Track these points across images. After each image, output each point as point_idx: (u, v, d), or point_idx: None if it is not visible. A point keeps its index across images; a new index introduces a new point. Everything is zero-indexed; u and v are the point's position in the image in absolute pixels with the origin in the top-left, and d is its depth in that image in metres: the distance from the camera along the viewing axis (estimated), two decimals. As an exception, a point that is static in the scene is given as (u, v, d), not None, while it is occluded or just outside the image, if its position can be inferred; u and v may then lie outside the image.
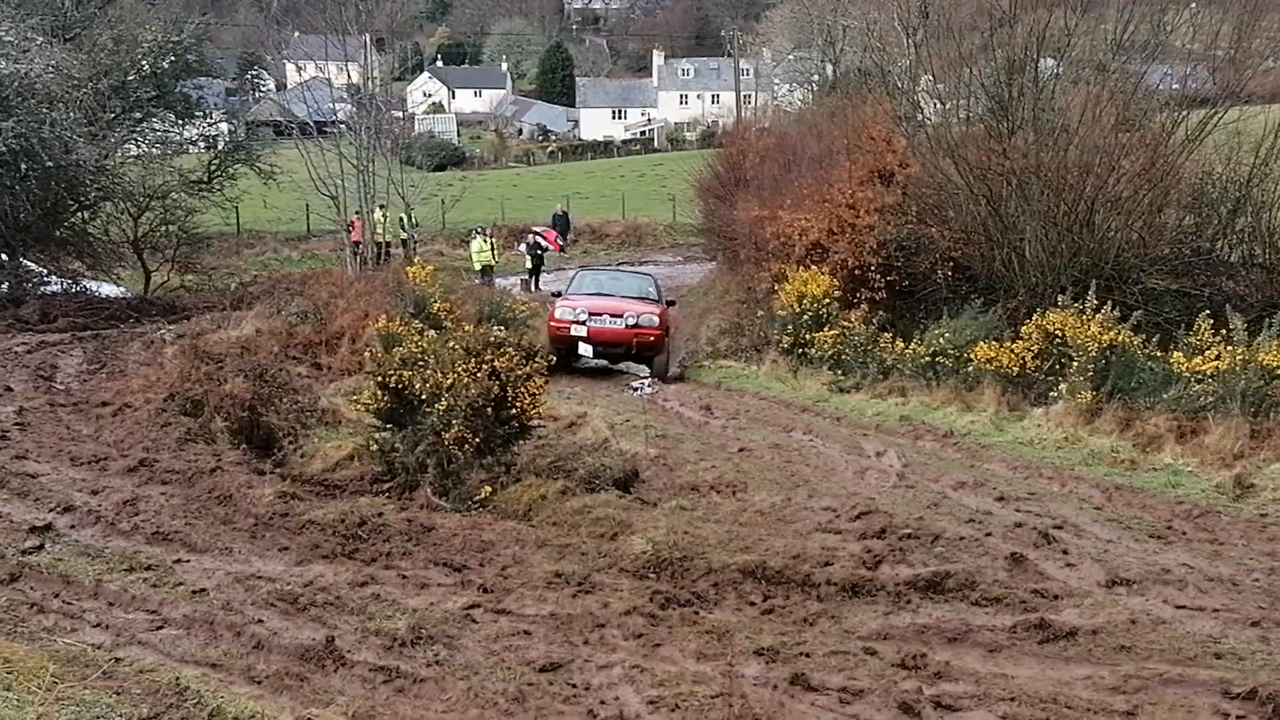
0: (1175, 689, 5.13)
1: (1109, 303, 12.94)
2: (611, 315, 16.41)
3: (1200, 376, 11.39)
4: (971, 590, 6.51)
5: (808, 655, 5.51)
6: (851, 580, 6.61)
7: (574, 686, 5.05)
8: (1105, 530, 8.14)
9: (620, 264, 33.35)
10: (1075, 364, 12.45)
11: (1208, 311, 12.30)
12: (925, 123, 19.87)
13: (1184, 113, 15.91)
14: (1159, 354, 12.40)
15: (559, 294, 19.00)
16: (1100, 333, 12.54)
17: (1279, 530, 8.36)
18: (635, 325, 16.27)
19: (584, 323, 15.99)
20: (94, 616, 6.03)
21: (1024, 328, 13.67)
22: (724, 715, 4.66)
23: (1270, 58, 18.62)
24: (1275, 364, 10.93)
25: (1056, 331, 13.06)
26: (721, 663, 5.37)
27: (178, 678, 5.00)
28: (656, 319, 16.83)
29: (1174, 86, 17.46)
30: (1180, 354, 11.82)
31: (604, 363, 17.98)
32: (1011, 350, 13.49)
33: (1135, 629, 5.92)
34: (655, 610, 6.10)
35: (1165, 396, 11.62)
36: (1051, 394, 12.55)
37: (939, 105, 20.27)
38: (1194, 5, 18.97)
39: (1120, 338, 12.55)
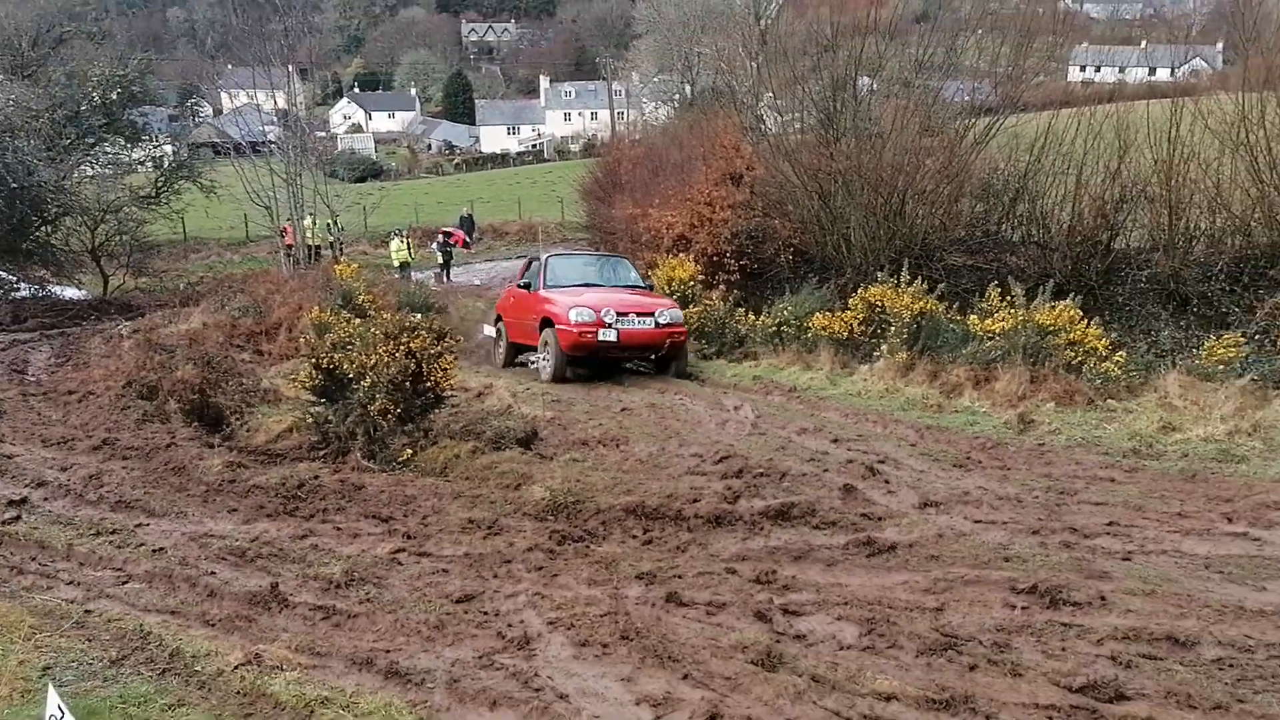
0: (974, 588, 5.33)
1: (918, 277, 13.30)
2: (639, 314, 12.29)
3: (990, 335, 11.75)
4: (812, 517, 6.67)
5: (680, 577, 5.60)
6: (715, 513, 6.72)
7: (485, 614, 5.09)
8: (918, 463, 8.37)
9: (519, 256, 33.17)
10: (892, 328, 12.78)
11: (995, 282, 12.71)
12: (767, 132, 20.06)
13: (973, 120, 16.37)
14: (958, 318, 12.82)
15: (529, 285, 13.78)
16: (912, 302, 12.88)
17: (1054, 457, 8.70)
18: (669, 324, 12.43)
19: (613, 325, 11.87)
20: (67, 575, 5.96)
21: (851, 300, 13.99)
22: (611, 630, 4.71)
23: (1040, 74, 19.26)
24: (1048, 323, 11.33)
25: (877, 302, 13.38)
26: (609, 587, 5.44)
27: (142, 624, 4.96)
28: (681, 314, 13.17)
29: (965, 99, 17.86)
30: (975, 317, 12.19)
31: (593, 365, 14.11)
32: (842, 319, 13.76)
33: (942, 541, 6.13)
34: (553, 546, 6.18)
35: (964, 352, 11.97)
36: (874, 353, 12.84)
37: (778, 117, 20.46)
38: (979, 31, 19.39)
39: (928, 306, 12.94)
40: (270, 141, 27.94)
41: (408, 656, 4.49)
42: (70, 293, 23.86)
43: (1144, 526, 6.35)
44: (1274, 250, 12.61)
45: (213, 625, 5.00)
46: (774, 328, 15.04)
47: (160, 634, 4.76)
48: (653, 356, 12.68)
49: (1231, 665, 4.24)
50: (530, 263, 14.60)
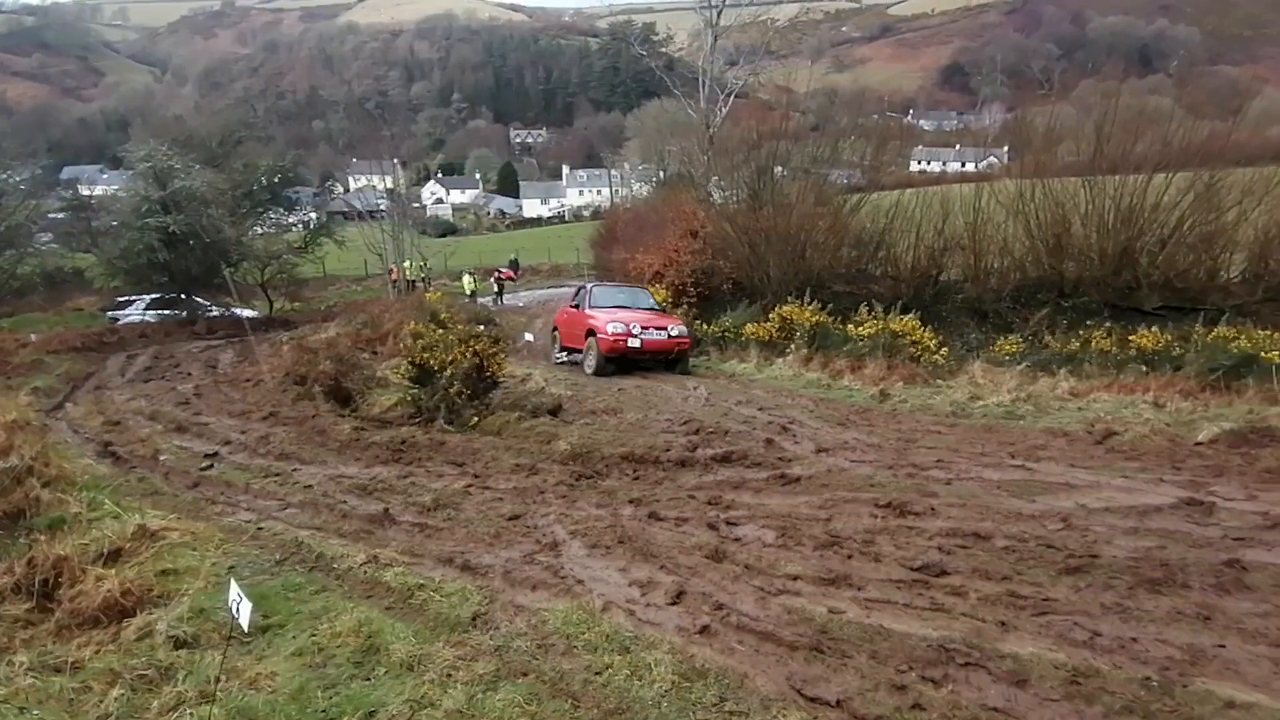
0: (850, 505, 5.35)
1: (815, 300, 13.30)
2: (656, 328, 11.87)
3: (861, 338, 11.80)
4: (745, 460, 6.67)
5: (658, 501, 5.60)
6: (680, 458, 6.70)
7: (528, 527, 5.08)
8: (815, 422, 8.33)
9: (549, 285, 33.04)
10: (798, 334, 12.79)
11: (865, 303, 12.74)
12: (715, 203, 19.96)
13: (849, 195, 16.32)
14: (841, 326, 12.82)
15: (579, 305, 13.20)
16: (810, 316, 12.92)
17: (903, 418, 8.67)
18: (677, 336, 11.97)
19: (638, 335, 11.53)
20: (245, 504, 5.96)
21: (771, 315, 13.93)
22: (612, 537, 4.73)
23: (892, 166, 19.30)
24: (899, 330, 11.40)
25: (788, 316, 13.37)
26: (610, 509, 5.44)
27: (297, 537, 4.95)
28: (686, 329, 12.52)
29: (844, 181, 17.84)
30: (852, 326, 12.23)
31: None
32: (765, 328, 13.73)
33: (830, 474, 6.13)
34: (573, 482, 6.16)
35: (844, 349, 11.99)
36: (786, 351, 12.75)
37: (722, 193, 20.37)
38: (853, 137, 19.38)
39: (821, 319, 12.96)
40: (381, 211, 27.88)
41: (476, 556, 4.50)
42: (247, 313, 23.67)
43: (959, 462, 6.38)
44: (1040, 281, 12.69)
45: (345, 537, 4.99)
46: (720, 334, 14.99)
47: (309, 543, 4.76)
48: (664, 359, 12.09)
49: (1014, 551, 4.29)
50: (579, 290, 14.31)
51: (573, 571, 4.21)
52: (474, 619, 3.67)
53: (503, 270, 30.02)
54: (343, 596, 3.97)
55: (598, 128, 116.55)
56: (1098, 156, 12.82)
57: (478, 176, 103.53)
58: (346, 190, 45.10)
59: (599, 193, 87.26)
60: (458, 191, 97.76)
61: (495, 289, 28.13)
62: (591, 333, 11.94)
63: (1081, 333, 11.25)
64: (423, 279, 27.68)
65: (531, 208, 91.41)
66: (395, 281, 25.77)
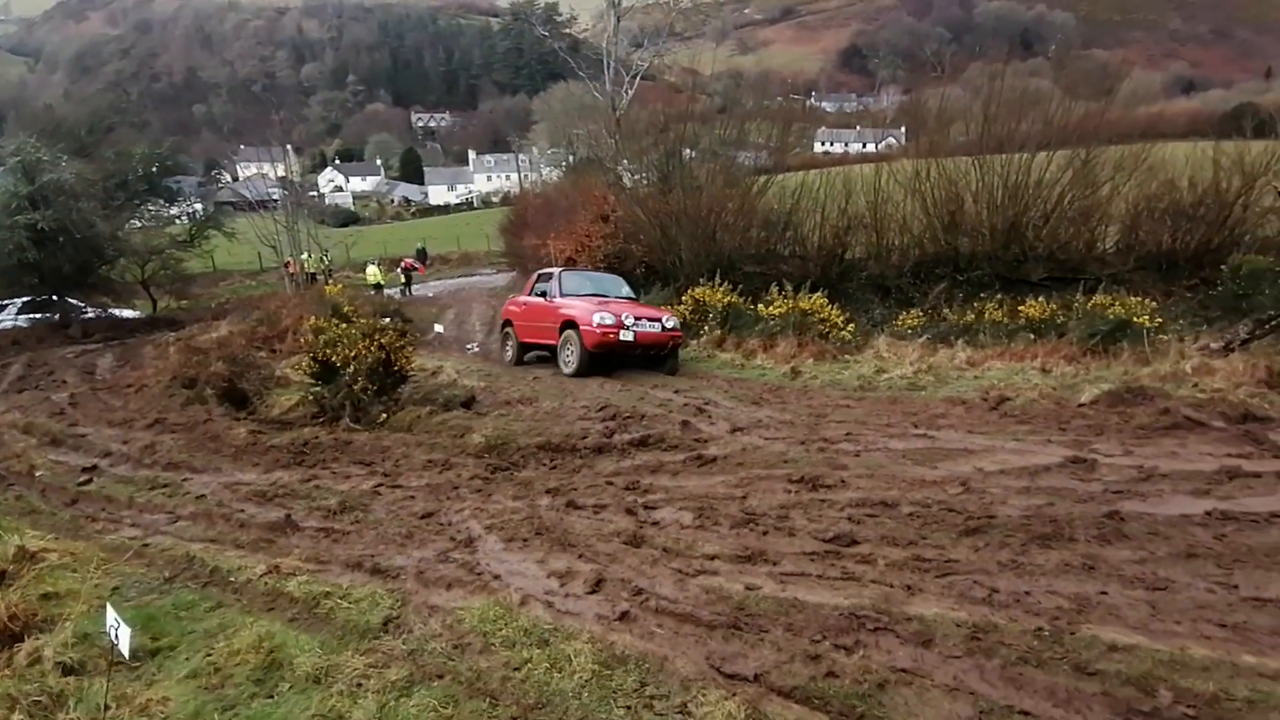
0: (765, 481, 5.43)
1: (726, 281, 13.46)
2: (649, 319, 10.51)
3: (772, 317, 12.03)
4: (662, 443, 6.68)
5: (575, 489, 5.55)
6: (598, 445, 6.67)
7: (441, 525, 4.94)
8: (729, 402, 8.46)
9: (459, 275, 32.28)
10: (710, 315, 12.92)
11: (775, 283, 12.99)
12: (625, 187, 19.95)
13: (757, 177, 16.61)
14: (752, 307, 13.03)
15: (546, 294, 11.45)
16: (722, 297, 13.06)
17: (813, 394, 8.90)
18: (672, 329, 10.67)
19: (630, 327, 10.15)
20: (130, 519, 5.55)
21: (684, 297, 14.01)
22: (529, 529, 4.65)
23: (797, 147, 19.77)
24: (807, 308, 11.68)
25: (700, 298, 13.48)
26: (527, 500, 5.35)
27: (188, 552, 4.63)
28: (678, 321, 11.27)
29: (752, 163, 18.14)
30: (763, 306, 12.45)
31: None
32: (678, 310, 13.78)
33: (745, 453, 6.22)
34: (488, 475, 6.01)
35: (756, 329, 12.22)
36: (700, 332, 12.87)
37: (632, 176, 20.36)
38: (759, 120, 19.74)
39: (732, 300, 13.11)
40: (274, 200, 26.50)
41: (386, 558, 4.34)
42: (127, 313, 22.13)
43: (867, 434, 6.61)
44: (937, 257, 13.29)
45: (242, 547, 4.71)
46: (634, 318, 15.05)
47: (202, 557, 4.47)
48: (654, 355, 10.69)
49: (919, 517, 4.47)
50: (539, 278, 12.24)
51: (489, 567, 4.12)
52: (385, 624, 3.54)
53: (410, 260, 29.10)
54: (241, 611, 3.75)
55: (504, 111, 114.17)
56: (986, 136, 13.51)
57: (379, 163, 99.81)
58: (235, 179, 42.59)
59: (508, 178, 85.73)
60: (358, 179, 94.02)
61: (402, 280, 27.27)
62: (570, 325, 10.49)
63: (976, 305, 11.86)
64: (323, 272, 26.55)
65: (438, 194, 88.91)
66: (293, 275, 24.56)
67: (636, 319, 10.36)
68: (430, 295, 25.47)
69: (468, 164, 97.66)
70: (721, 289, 13.39)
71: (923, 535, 4.23)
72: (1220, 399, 6.65)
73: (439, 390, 8.74)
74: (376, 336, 8.17)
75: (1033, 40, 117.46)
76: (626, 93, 21.28)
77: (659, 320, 10.61)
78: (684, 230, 15.71)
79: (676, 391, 9.16)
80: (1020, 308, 11.19)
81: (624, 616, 3.46)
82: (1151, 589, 3.46)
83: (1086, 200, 12.53)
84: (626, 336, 10.17)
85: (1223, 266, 10.63)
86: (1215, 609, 3.24)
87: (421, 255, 32.53)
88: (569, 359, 10.47)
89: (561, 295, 11.19)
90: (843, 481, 5.25)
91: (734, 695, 2.76)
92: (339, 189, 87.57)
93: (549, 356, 11.20)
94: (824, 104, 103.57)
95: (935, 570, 3.77)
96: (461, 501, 5.36)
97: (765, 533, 4.46)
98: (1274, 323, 8.71)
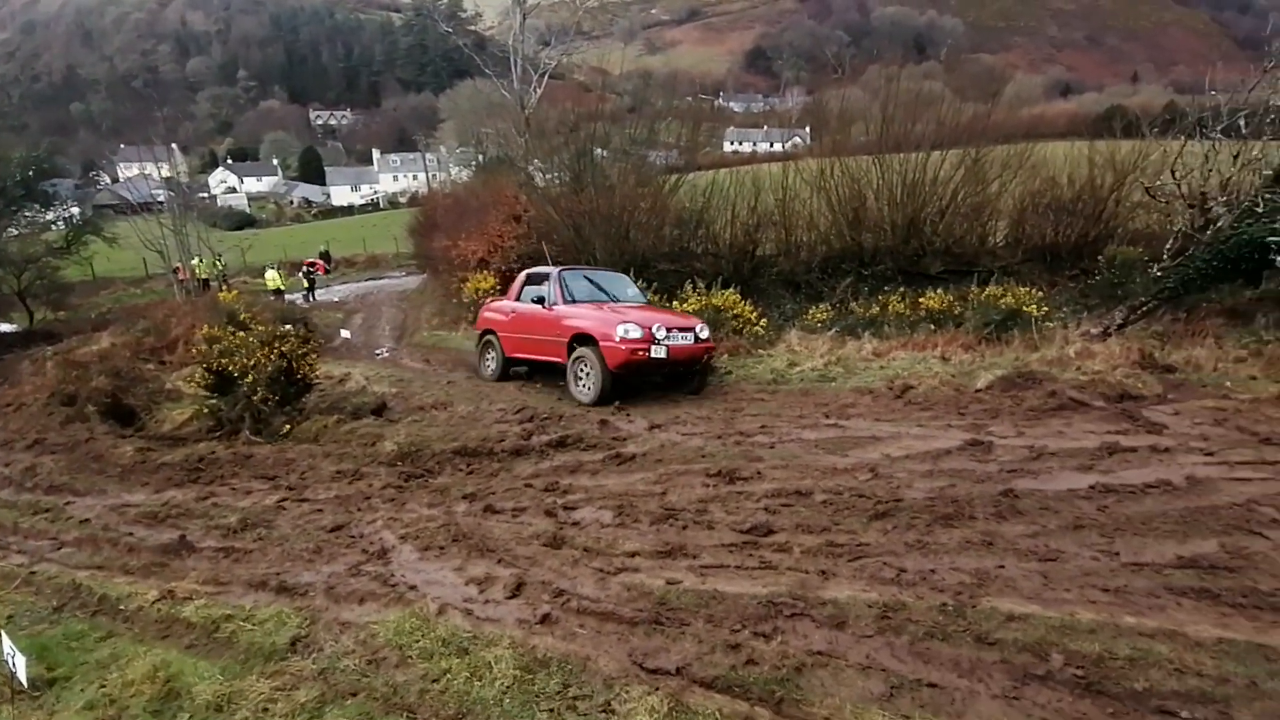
0: (684, 477, 5.49)
1: (641, 279, 13.46)
2: (680, 330, 8.51)
3: (688, 312, 12.12)
4: (581, 443, 6.65)
5: (493, 493, 5.46)
6: (516, 447, 6.57)
7: (353, 537, 4.75)
8: (647, 400, 8.39)
9: (366, 278, 31.20)
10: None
11: (689, 279, 13.13)
12: (537, 186, 19.77)
13: (669, 176, 16.77)
14: (668, 304, 13.09)
15: (544, 300, 9.33)
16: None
17: (728, 388, 8.97)
18: (705, 340, 8.77)
19: (662, 342, 8.20)
20: (15, 546, 5.14)
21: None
22: (446, 537, 4.54)
23: (707, 146, 20.09)
24: (720, 304, 11.84)
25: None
26: (443, 507, 5.23)
27: (75, 579, 4.31)
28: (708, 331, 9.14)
29: (663, 162, 18.30)
30: (677, 303, 12.53)
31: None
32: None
33: (664, 449, 6.25)
34: (401, 484, 5.84)
35: (672, 326, 12.28)
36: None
37: (543, 176, 20.20)
38: (669, 119, 19.93)
39: (649, 298, 13.10)
40: (159, 202, 24.89)
41: (293, 576, 4.15)
42: (4, 327, 20.37)
43: (781, 426, 6.76)
44: (843, 252, 13.75)
45: (132, 573, 4.42)
46: (550, 318, 14.96)
47: (89, 585, 4.18)
48: (683, 371, 8.82)
49: (831, 504, 4.62)
50: (528, 279, 10.14)
51: (404, 578, 4.01)
52: (293, 644, 3.39)
53: (313, 262, 27.91)
54: (133, 640, 3.54)
55: (408, 108, 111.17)
56: (885, 136, 14.08)
57: (275, 162, 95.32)
58: (115, 180, 39.81)
59: (415, 177, 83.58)
60: (253, 179, 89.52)
61: (305, 284, 26.16)
62: (583, 341, 8.54)
63: (880, 298, 12.35)
64: (217, 278, 25.16)
65: (341, 195, 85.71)
66: (184, 282, 23.14)
67: (669, 330, 8.36)
68: (336, 300, 24.53)
69: (372, 163, 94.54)
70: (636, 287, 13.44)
71: (835, 521, 4.38)
72: (1100, 380, 7.16)
73: (347, 398, 8.42)
74: (277, 344, 7.79)
75: (925, 44, 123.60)
76: (535, 91, 21.11)
77: (691, 330, 8.64)
78: (598, 229, 15.70)
79: (594, 391, 9.13)
80: (921, 300, 11.73)
81: (545, 619, 3.43)
82: (1044, 560, 3.70)
83: (977, 197, 13.26)
84: (659, 353, 8.20)
85: (1099, 257, 11.46)
86: (1100, 575, 3.50)
87: (325, 258, 31.32)
88: (585, 384, 8.44)
89: (565, 302, 9.20)
90: (759, 473, 5.38)
91: (657, 690, 2.79)
92: (232, 190, 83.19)
93: (545, 372, 9.70)
94: (732, 104, 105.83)
95: (848, 554, 3.92)
96: (374, 512, 5.18)
97: (685, 527, 4.52)
98: (1145, 308, 9.47)
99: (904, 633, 3.09)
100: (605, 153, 18.36)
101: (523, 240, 17.26)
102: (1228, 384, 6.96)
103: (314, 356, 8.28)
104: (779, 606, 3.37)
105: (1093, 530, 3.99)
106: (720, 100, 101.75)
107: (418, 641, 3.27)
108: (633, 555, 4.14)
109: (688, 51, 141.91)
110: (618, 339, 8.16)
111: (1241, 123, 9.23)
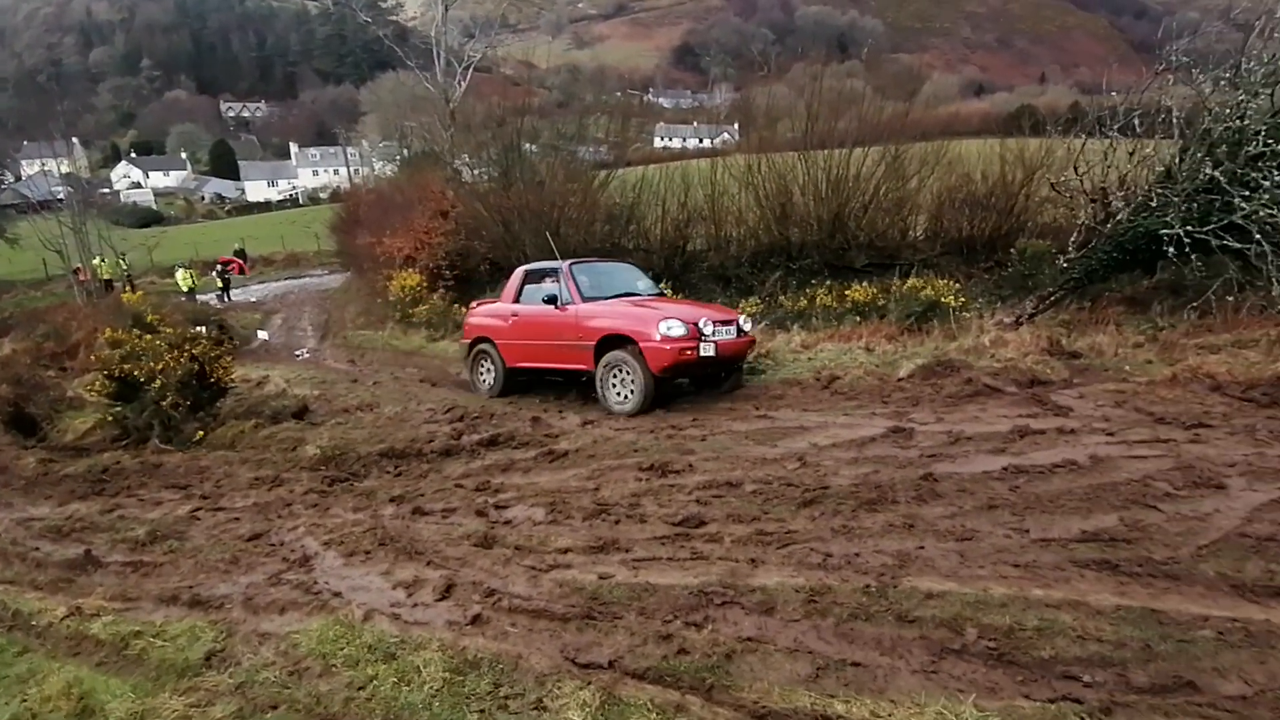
0: (617, 472, 5.51)
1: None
2: (723, 323, 7.71)
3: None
4: (513, 440, 6.61)
5: (422, 495, 5.38)
6: (446, 448, 6.50)
7: (272, 545, 4.60)
8: (581, 396, 8.49)
9: (286, 277, 30.11)
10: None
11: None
12: (465, 181, 19.44)
13: (599, 171, 16.75)
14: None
15: (554, 300, 8.22)
16: (568, 292, 13.02)
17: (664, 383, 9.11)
18: (748, 333, 8.13)
19: (710, 338, 7.38)
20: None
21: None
22: (372, 541, 4.44)
23: (637, 142, 20.15)
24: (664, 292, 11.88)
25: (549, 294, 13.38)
26: (370, 510, 5.11)
27: (-19, 595, 4.03)
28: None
29: (593, 157, 18.28)
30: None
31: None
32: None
33: (596, 445, 6.27)
34: (325, 488, 5.68)
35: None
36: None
37: (471, 171, 19.89)
38: (599, 114, 19.92)
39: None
40: (58, 200, 23.39)
41: (208, 588, 3.99)
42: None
43: (711, 419, 6.88)
44: (771, 247, 14.01)
45: (41, 588, 4.18)
46: (479, 316, 14.77)
47: (3, 599, 3.96)
48: (723, 369, 8.07)
49: (761, 494, 4.72)
50: (528, 276, 9.02)
51: (328, 585, 3.90)
52: (208, 658, 3.26)
53: (227, 260, 26.73)
54: (47, 656, 3.39)
55: (327, 101, 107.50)
56: (809, 133, 14.39)
57: (184, 156, 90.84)
58: (18, 178, 37.17)
59: (336, 172, 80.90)
60: (159, 174, 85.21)
61: (219, 284, 25.07)
62: (616, 342, 7.62)
63: (808, 291, 12.64)
64: (122, 278, 23.87)
65: (257, 190, 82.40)
66: (85, 283, 21.86)
67: (715, 324, 7.57)
68: (253, 300, 23.61)
69: (289, 157, 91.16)
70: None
71: (765, 510, 4.48)
72: (1012, 367, 7.53)
73: (266, 402, 8.14)
74: (187, 347, 7.45)
75: (848, 43, 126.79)
76: (460, 85, 20.74)
77: (734, 323, 7.87)
78: (527, 225, 15.56)
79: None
80: (847, 293, 12.06)
81: (476, 620, 3.40)
82: (960, 540, 3.87)
83: (898, 192, 13.71)
84: (708, 350, 7.37)
85: (1011, 250, 12.01)
86: (1011, 552, 3.68)
87: (241, 256, 30.07)
88: (623, 393, 7.57)
89: (585, 300, 8.15)
90: (690, 466, 5.44)
91: (589, 684, 2.80)
92: (137, 185, 78.86)
93: (559, 382, 8.76)
94: (661, 100, 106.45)
95: (776, 542, 4.01)
96: (295, 519, 5.02)
97: (617, 522, 4.53)
98: (1053, 298, 10.00)
99: (830, 615, 3.18)
100: (534, 148, 18.21)
101: (451, 237, 16.98)
102: (1127, 368, 7.42)
103: (228, 359, 7.97)
104: (710, 596, 3.42)
105: (1005, 509, 4.19)
106: (649, 96, 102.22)
107: (342, 649, 3.18)
108: (565, 552, 4.14)
109: (616, 46, 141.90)
110: (659, 338, 7.26)
111: (1136, 122, 9.82)
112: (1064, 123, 12.05)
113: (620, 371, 7.59)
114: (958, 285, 11.36)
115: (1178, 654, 2.73)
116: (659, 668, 2.91)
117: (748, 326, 8.11)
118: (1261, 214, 7.82)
